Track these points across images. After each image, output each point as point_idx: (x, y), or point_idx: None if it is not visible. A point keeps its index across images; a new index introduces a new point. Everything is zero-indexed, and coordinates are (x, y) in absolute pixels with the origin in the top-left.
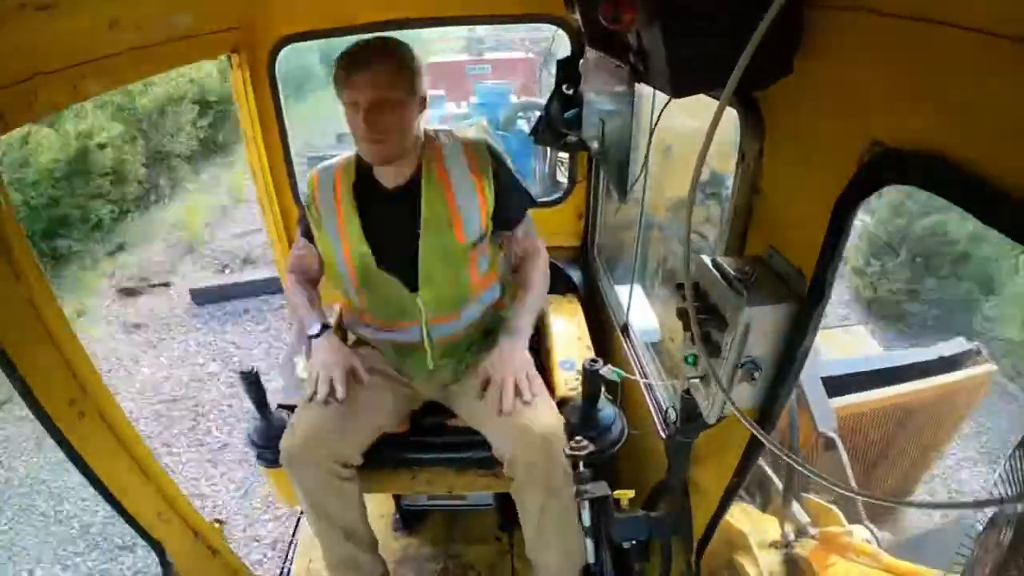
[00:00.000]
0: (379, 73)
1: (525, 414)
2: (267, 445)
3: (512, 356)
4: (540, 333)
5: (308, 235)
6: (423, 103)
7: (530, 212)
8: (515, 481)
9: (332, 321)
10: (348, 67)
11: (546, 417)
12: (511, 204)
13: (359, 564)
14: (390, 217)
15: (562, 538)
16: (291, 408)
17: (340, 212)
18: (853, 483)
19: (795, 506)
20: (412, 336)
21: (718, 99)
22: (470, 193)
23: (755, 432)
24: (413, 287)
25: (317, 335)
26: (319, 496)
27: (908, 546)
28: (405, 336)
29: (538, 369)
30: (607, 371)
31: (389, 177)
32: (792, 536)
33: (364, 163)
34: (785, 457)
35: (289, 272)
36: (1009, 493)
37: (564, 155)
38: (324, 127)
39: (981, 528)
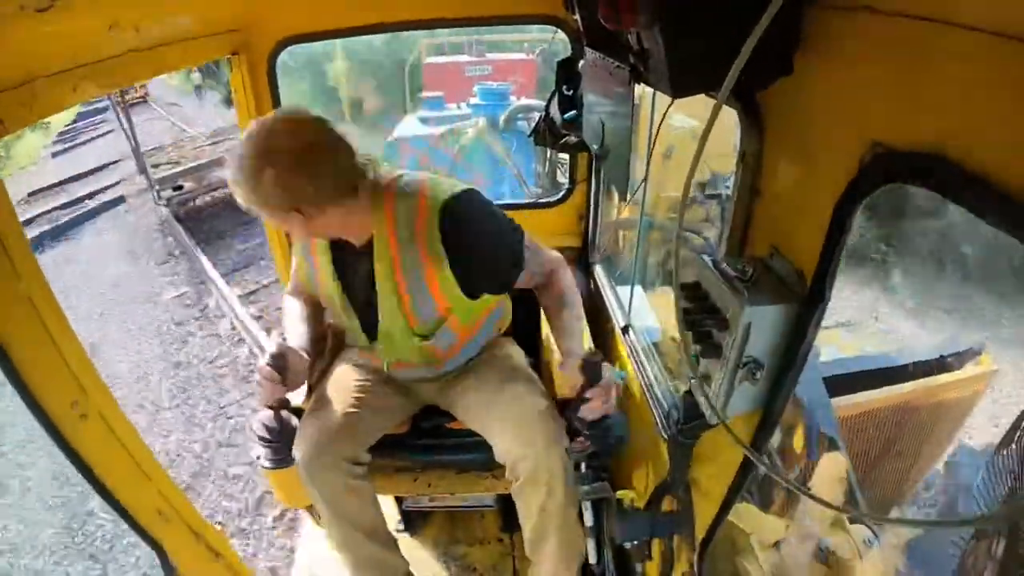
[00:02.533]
0: (245, 197)
1: (525, 416)
2: (270, 447)
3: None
4: (539, 333)
5: None
6: (318, 198)
7: (530, 214)
8: (515, 482)
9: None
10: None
11: (545, 419)
12: (484, 278)
13: (384, 563)
14: (356, 270)
15: (563, 539)
16: (294, 410)
17: (315, 255)
18: (854, 483)
19: (798, 508)
20: (380, 367)
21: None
22: (418, 273)
23: (745, 451)
24: (373, 337)
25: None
26: (338, 498)
27: (911, 543)
28: (375, 365)
29: (537, 370)
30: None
31: (348, 237)
32: (796, 541)
33: None
34: (773, 475)
35: (289, 293)
36: (988, 503)
37: (564, 156)
38: None
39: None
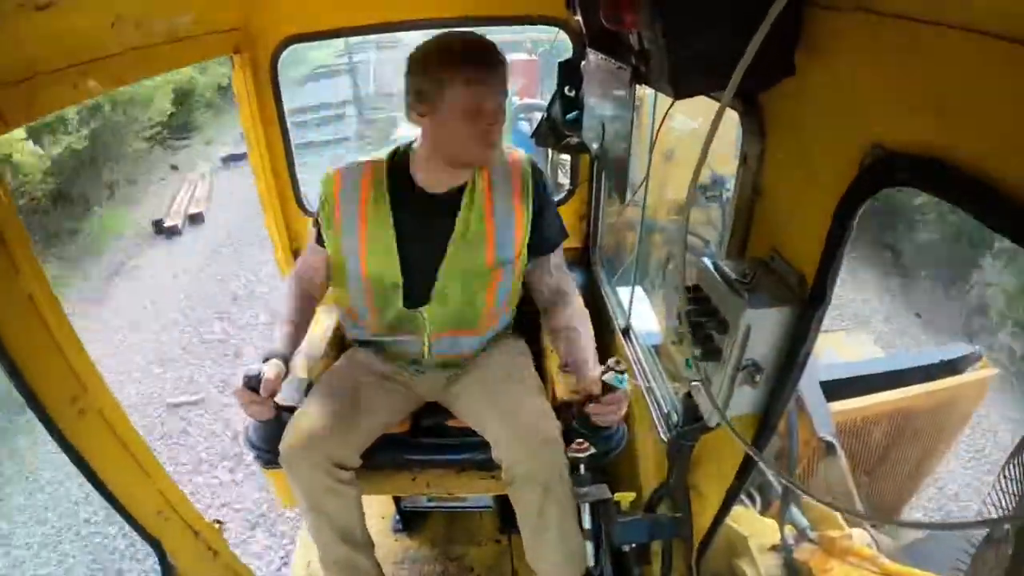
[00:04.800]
0: (501, 76)
1: (524, 416)
2: (266, 446)
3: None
4: (540, 334)
5: (320, 239)
6: None
7: None
8: (514, 483)
9: (287, 350)
10: (472, 70)
11: (545, 419)
12: (548, 228)
13: (354, 567)
14: (423, 225)
15: (561, 541)
16: (290, 409)
17: (364, 218)
18: (852, 487)
19: (794, 510)
20: (412, 348)
21: (719, 101)
22: (508, 215)
23: (747, 449)
24: (423, 300)
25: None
26: (317, 497)
27: (908, 550)
28: (404, 346)
29: (537, 370)
30: (609, 377)
31: (438, 183)
32: (792, 540)
33: (400, 166)
34: (772, 473)
35: (292, 276)
36: (1004, 508)
37: (566, 157)
38: None
39: (977, 544)
